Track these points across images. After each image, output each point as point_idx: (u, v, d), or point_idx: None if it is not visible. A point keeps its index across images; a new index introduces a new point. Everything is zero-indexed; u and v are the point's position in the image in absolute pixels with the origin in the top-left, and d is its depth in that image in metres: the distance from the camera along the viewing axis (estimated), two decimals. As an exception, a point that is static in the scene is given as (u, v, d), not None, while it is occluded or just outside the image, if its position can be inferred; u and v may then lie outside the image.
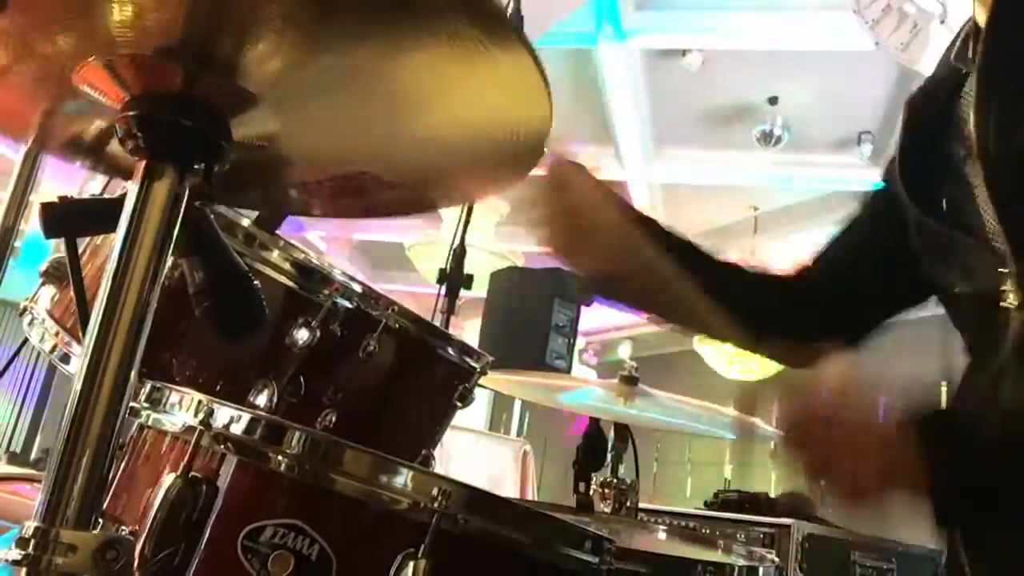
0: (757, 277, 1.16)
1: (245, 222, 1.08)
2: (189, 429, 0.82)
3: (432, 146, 0.81)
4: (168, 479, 0.78)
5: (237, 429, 0.81)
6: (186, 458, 0.79)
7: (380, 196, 0.92)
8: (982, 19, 0.87)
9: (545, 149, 0.81)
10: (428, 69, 0.68)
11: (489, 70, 0.67)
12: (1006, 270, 0.84)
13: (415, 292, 7.16)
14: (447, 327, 2.32)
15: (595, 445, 1.82)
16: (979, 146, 0.81)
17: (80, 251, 0.99)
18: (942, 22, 3.13)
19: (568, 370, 3.80)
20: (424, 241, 6.05)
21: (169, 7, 0.63)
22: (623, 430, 1.85)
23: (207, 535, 0.77)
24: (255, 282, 0.86)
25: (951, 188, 0.93)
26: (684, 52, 4.89)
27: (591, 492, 1.76)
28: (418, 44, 0.64)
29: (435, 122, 0.78)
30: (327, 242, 7.87)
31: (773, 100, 5.22)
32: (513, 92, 0.70)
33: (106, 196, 1.10)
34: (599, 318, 7.77)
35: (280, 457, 0.79)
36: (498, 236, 6.42)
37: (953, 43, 0.98)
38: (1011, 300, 0.84)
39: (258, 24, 0.64)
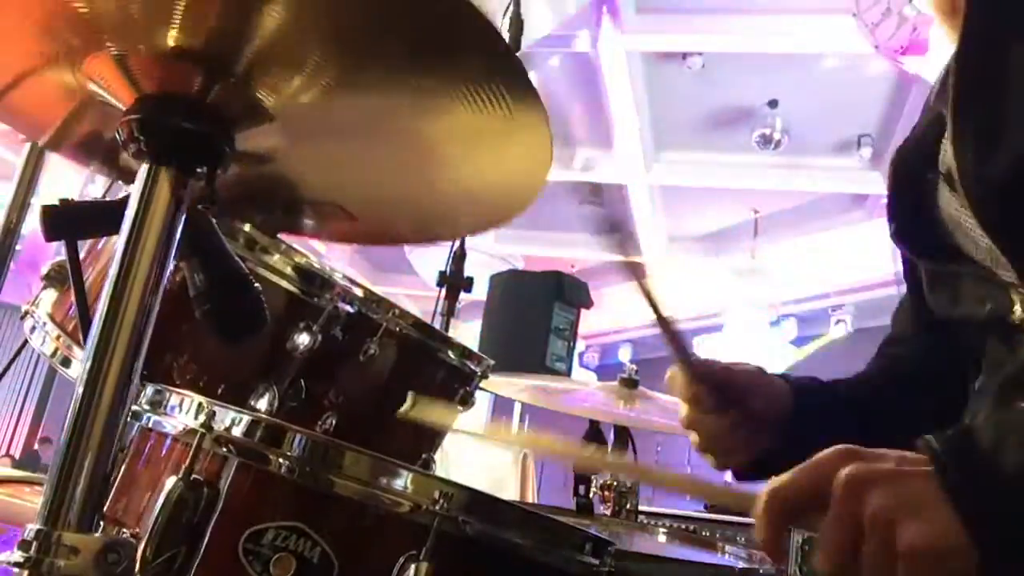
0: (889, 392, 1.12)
1: (246, 226, 1.08)
2: (190, 432, 0.82)
3: (439, 187, 0.85)
4: (169, 482, 0.78)
5: (238, 432, 0.81)
6: (187, 461, 0.79)
7: (380, 225, 0.94)
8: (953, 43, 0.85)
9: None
10: (450, 121, 0.71)
11: (505, 125, 0.69)
12: (1009, 290, 0.84)
13: (415, 295, 7.16)
14: (447, 330, 2.33)
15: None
16: (960, 175, 0.81)
17: (81, 255, 1.00)
18: (941, 25, 3.13)
19: (568, 373, 3.80)
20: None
21: (212, 13, 0.64)
22: (623, 433, 1.85)
23: (208, 538, 0.77)
24: (256, 286, 0.86)
25: (937, 227, 0.92)
26: (684, 55, 4.90)
27: (591, 495, 1.76)
28: (446, 99, 0.67)
29: (447, 166, 0.81)
30: (328, 245, 7.87)
31: (773, 103, 5.23)
32: (523, 145, 0.74)
33: (108, 199, 1.10)
34: (599, 321, 7.77)
35: (281, 460, 0.79)
36: (498, 239, 6.42)
37: (934, 87, 0.96)
38: (1018, 316, 0.84)
39: (296, 59, 0.66)
